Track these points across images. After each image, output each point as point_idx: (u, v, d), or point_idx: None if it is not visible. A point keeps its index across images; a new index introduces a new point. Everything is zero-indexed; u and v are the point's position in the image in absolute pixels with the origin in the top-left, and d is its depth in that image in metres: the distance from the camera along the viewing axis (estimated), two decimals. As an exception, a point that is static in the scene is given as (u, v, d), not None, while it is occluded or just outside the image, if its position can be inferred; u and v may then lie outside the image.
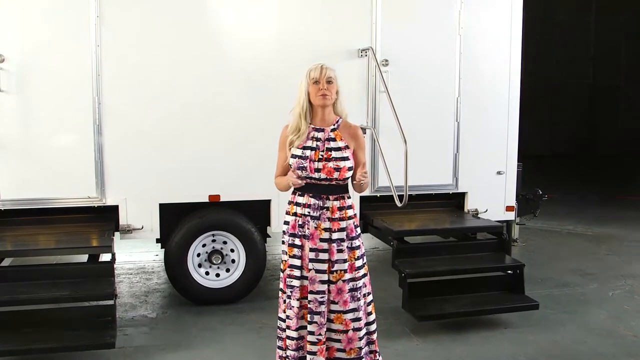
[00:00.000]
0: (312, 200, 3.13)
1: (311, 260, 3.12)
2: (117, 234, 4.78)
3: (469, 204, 5.54)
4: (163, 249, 5.02)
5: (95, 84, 4.60)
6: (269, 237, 5.33)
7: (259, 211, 5.09)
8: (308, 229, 3.13)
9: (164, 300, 5.16)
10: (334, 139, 3.15)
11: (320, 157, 3.11)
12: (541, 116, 17.36)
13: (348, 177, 3.16)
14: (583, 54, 18.58)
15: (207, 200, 4.95)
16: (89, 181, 4.66)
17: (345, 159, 3.13)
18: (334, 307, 3.14)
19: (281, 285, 3.25)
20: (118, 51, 4.63)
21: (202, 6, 4.86)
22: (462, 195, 5.58)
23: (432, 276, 4.74)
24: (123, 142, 4.72)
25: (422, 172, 5.22)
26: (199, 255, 4.96)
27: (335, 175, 3.10)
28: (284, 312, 3.22)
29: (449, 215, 5.51)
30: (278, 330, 3.28)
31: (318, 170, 3.10)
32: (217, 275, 4.99)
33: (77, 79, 4.58)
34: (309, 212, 3.13)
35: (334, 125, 3.19)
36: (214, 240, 4.99)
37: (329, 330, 3.15)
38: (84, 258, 4.71)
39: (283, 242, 3.24)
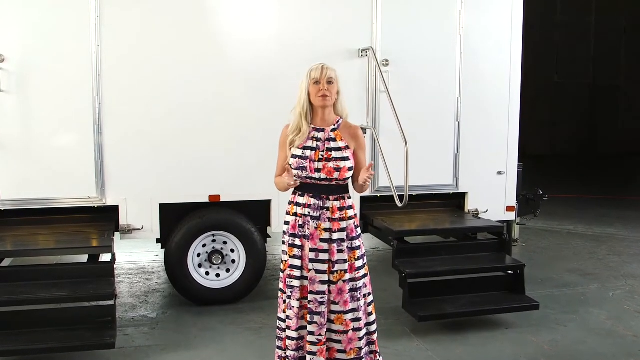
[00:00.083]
0: (313, 201, 3.12)
1: (311, 261, 3.12)
2: (117, 234, 4.77)
3: (470, 204, 5.54)
4: (163, 249, 5.01)
5: (95, 84, 4.60)
6: (269, 237, 5.33)
7: (259, 211, 5.09)
8: (308, 229, 3.12)
9: (164, 301, 5.16)
10: (334, 139, 3.15)
11: (320, 157, 3.10)
12: (541, 116, 17.37)
13: (348, 178, 3.16)
14: (583, 54, 18.58)
15: (207, 200, 4.94)
16: (89, 181, 4.65)
17: (346, 159, 3.12)
18: (334, 307, 3.13)
19: (281, 286, 3.25)
20: (118, 51, 4.63)
21: (202, 6, 4.86)
22: (462, 196, 5.58)
23: (432, 276, 4.74)
24: (123, 142, 4.71)
25: (423, 172, 5.22)
26: (199, 255, 4.95)
27: (336, 175, 3.10)
28: (284, 312, 3.21)
29: (449, 216, 5.51)
30: (277, 331, 3.27)
31: (318, 170, 3.10)
32: (217, 275, 4.99)
33: (77, 79, 4.57)
34: (309, 212, 3.12)
35: (334, 125, 3.19)
36: (214, 241, 4.98)
37: (329, 331, 3.15)
38: (84, 258, 4.71)
39: (283, 242, 3.23)
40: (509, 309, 4.71)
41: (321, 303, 3.11)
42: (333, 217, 3.12)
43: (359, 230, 3.22)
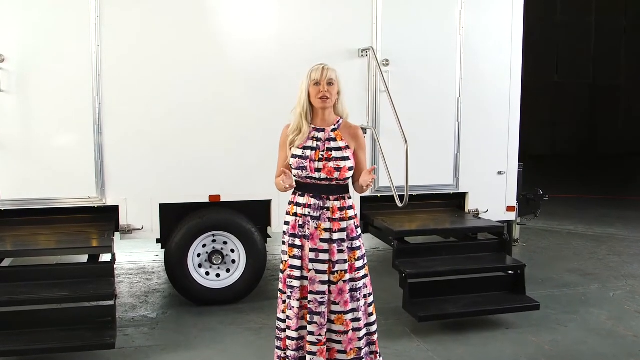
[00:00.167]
0: (313, 201, 3.12)
1: (311, 261, 3.12)
2: (117, 234, 4.77)
3: (470, 204, 5.54)
4: (163, 249, 5.01)
5: (95, 84, 4.59)
6: (269, 237, 5.33)
7: (259, 211, 5.09)
8: (308, 229, 3.12)
9: (164, 301, 5.16)
10: (334, 139, 3.14)
11: (320, 157, 3.10)
12: (541, 116, 17.37)
13: (349, 177, 3.15)
14: (583, 54, 18.58)
15: (207, 200, 4.94)
16: (89, 181, 4.65)
17: (346, 158, 3.12)
18: (335, 307, 3.13)
19: (280, 286, 3.25)
20: (118, 51, 4.63)
21: (202, 6, 4.85)
22: (462, 196, 5.57)
23: (432, 276, 4.73)
24: (123, 142, 4.71)
25: (423, 172, 5.21)
26: (199, 255, 4.95)
27: (336, 175, 3.09)
28: (283, 312, 3.21)
29: (449, 216, 5.50)
30: (277, 331, 3.27)
31: (318, 170, 3.09)
32: (218, 275, 4.99)
33: (77, 79, 4.57)
34: (309, 212, 3.12)
35: (334, 125, 3.19)
36: (214, 241, 4.98)
37: (330, 331, 3.15)
38: (84, 258, 4.70)
39: (283, 243, 3.23)
40: (510, 309, 4.70)
41: (321, 303, 3.11)
42: (333, 217, 3.12)
43: (359, 230, 3.21)
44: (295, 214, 3.17)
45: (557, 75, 18.59)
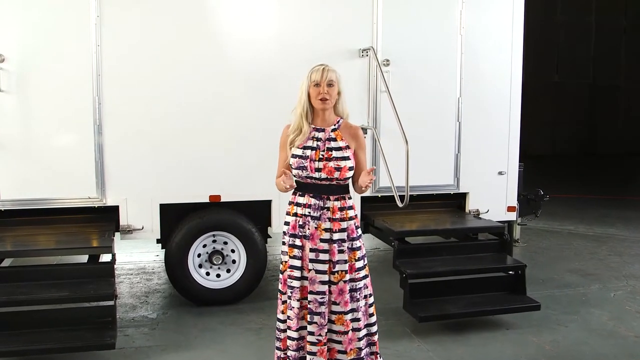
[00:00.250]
0: (313, 201, 3.12)
1: (311, 261, 3.11)
2: (117, 234, 4.76)
3: (470, 204, 5.53)
4: (163, 250, 5.01)
5: (95, 84, 4.59)
6: (270, 237, 5.32)
7: (259, 211, 5.08)
8: (308, 229, 3.12)
9: (164, 301, 5.15)
10: (334, 139, 3.14)
11: (320, 156, 3.10)
12: (541, 116, 17.37)
13: (349, 177, 3.15)
14: (583, 54, 18.58)
15: (207, 200, 4.93)
16: (89, 181, 4.65)
17: (346, 158, 3.11)
18: (335, 308, 3.13)
19: (280, 287, 3.24)
20: (118, 51, 4.62)
21: (202, 6, 4.85)
22: (463, 196, 5.57)
23: (433, 277, 4.73)
24: (123, 142, 4.71)
25: (423, 172, 5.21)
26: (199, 255, 4.95)
27: (336, 175, 3.09)
28: (283, 313, 3.21)
29: (450, 216, 5.50)
30: (276, 331, 3.27)
31: (319, 169, 3.09)
32: (218, 275, 4.98)
33: (77, 79, 4.57)
34: (309, 212, 3.12)
35: (334, 125, 3.18)
36: (214, 241, 4.97)
37: (330, 331, 3.14)
38: (84, 259, 4.70)
39: (283, 243, 3.22)
40: (510, 310, 4.70)
41: (321, 303, 3.10)
42: (333, 217, 3.11)
43: (359, 231, 3.21)
44: (295, 214, 3.17)
45: (557, 75, 18.59)
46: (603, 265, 6.40)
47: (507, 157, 5.58)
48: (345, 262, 3.12)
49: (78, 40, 4.54)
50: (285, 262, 3.20)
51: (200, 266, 4.95)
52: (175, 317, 4.75)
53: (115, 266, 4.30)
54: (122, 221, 4.75)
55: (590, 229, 8.19)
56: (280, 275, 3.24)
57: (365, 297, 3.20)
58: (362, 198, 5.16)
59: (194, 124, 4.85)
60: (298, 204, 3.16)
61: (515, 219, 5.86)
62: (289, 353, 3.18)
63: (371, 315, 3.23)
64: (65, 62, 4.54)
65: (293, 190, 3.17)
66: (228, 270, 5.00)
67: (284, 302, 3.22)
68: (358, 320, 3.15)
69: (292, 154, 3.14)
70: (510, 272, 4.92)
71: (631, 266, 6.37)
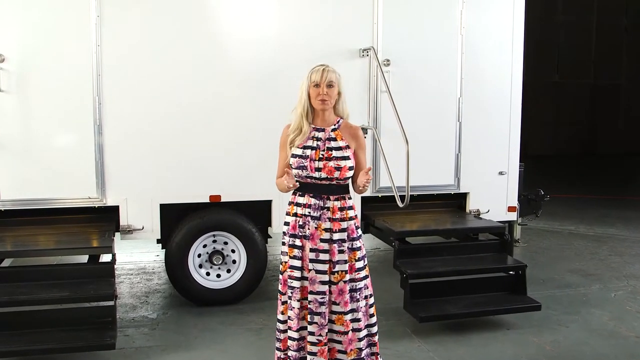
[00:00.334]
0: (313, 200, 3.11)
1: (311, 261, 3.11)
2: (117, 234, 4.76)
3: (471, 205, 5.52)
4: (164, 250, 5.00)
5: (95, 84, 4.59)
6: (270, 237, 5.32)
7: (260, 211, 5.08)
8: (308, 229, 3.11)
9: (164, 301, 5.15)
10: (334, 139, 3.14)
11: (320, 156, 3.09)
12: (542, 116, 17.36)
13: (349, 177, 3.15)
14: (584, 54, 18.57)
15: (207, 200, 4.93)
16: (89, 181, 4.64)
17: (346, 158, 3.11)
18: (335, 308, 3.12)
19: (280, 287, 3.24)
20: (118, 51, 4.62)
21: (202, 6, 4.84)
22: (463, 196, 5.56)
23: (433, 277, 4.72)
24: (123, 142, 4.70)
25: (424, 172, 5.20)
26: (199, 255, 4.94)
27: (336, 174, 3.08)
28: (283, 313, 3.21)
29: (450, 216, 5.49)
30: (277, 332, 3.27)
31: (318, 169, 3.08)
32: (218, 275, 4.98)
33: (77, 79, 4.56)
34: (309, 212, 3.11)
35: (334, 125, 3.18)
36: (214, 241, 4.97)
37: (330, 331, 3.14)
38: (84, 259, 4.69)
39: (283, 243, 3.22)
40: (511, 310, 4.69)
41: (321, 303, 3.10)
42: (334, 217, 3.11)
43: (359, 231, 3.20)
44: (295, 214, 3.16)
45: (557, 75, 18.58)
46: (604, 266, 6.39)
47: (508, 157, 5.58)
48: (345, 262, 3.12)
49: (78, 40, 4.54)
50: (285, 262, 3.19)
51: (200, 266, 4.95)
52: (175, 317, 4.75)
53: (115, 266, 4.30)
54: (123, 221, 4.75)
55: (591, 229, 8.18)
56: (280, 276, 3.24)
57: (366, 297, 3.20)
58: (363, 198, 5.15)
59: (194, 124, 4.85)
60: (298, 204, 3.16)
61: (515, 219, 5.86)
62: (290, 353, 3.18)
63: (371, 315, 3.23)
64: (65, 62, 4.54)
65: (293, 190, 3.17)
66: (228, 271, 4.99)
67: (283, 303, 3.21)
68: (358, 320, 3.15)
69: (292, 154, 3.14)
70: (511, 272, 4.91)
71: (632, 266, 6.36)
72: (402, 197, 4.55)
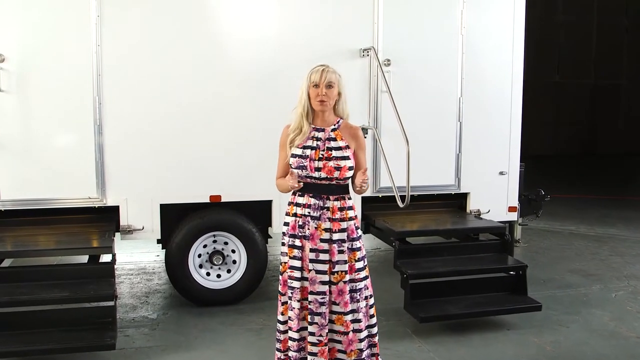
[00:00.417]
0: (312, 201, 3.11)
1: (311, 261, 3.10)
2: (117, 234, 4.76)
3: (471, 205, 5.52)
4: (164, 250, 5.00)
5: (95, 84, 4.58)
6: (270, 237, 5.31)
7: (260, 212, 5.08)
8: (308, 229, 3.11)
9: (164, 301, 5.15)
10: (334, 139, 3.13)
11: (320, 156, 3.09)
12: (542, 116, 17.36)
13: (349, 177, 3.14)
14: (584, 54, 18.57)
15: (208, 200, 4.93)
16: (89, 181, 4.64)
17: (346, 158, 3.11)
18: (335, 308, 3.12)
19: (280, 288, 3.24)
20: (118, 51, 4.62)
21: (202, 6, 4.84)
22: (464, 196, 5.56)
23: (434, 277, 4.72)
24: (123, 142, 4.70)
25: (424, 172, 5.20)
26: (200, 256, 4.94)
27: (336, 174, 3.08)
28: (283, 314, 3.21)
29: (451, 216, 5.49)
30: (277, 333, 3.27)
31: (318, 169, 3.08)
32: (218, 276, 4.98)
33: (78, 79, 4.56)
34: (309, 213, 3.11)
35: (334, 125, 3.17)
36: (215, 241, 4.97)
37: (331, 331, 3.14)
38: (84, 259, 4.69)
39: (283, 244, 3.21)
40: (511, 310, 4.69)
41: (322, 303, 3.10)
42: (333, 217, 3.10)
43: (359, 231, 3.20)
44: (295, 214, 3.16)
45: (558, 75, 18.58)
46: (604, 266, 6.39)
47: (508, 157, 5.58)
48: (345, 262, 3.11)
49: (78, 40, 4.54)
50: (285, 263, 3.19)
51: (200, 266, 4.95)
52: (175, 318, 4.74)
53: (115, 266, 4.29)
54: (123, 221, 4.75)
55: (591, 229, 8.18)
56: (280, 277, 3.23)
57: (366, 297, 3.19)
58: (363, 198, 5.15)
59: (194, 124, 4.84)
60: (297, 204, 3.15)
61: (516, 219, 5.85)
62: (290, 354, 3.18)
63: (372, 316, 3.23)
64: (65, 62, 4.53)
65: (293, 190, 3.16)
66: (228, 271, 4.99)
67: (283, 303, 3.21)
68: (359, 321, 3.14)
69: (292, 154, 3.13)
70: (512, 273, 4.91)
71: (632, 266, 6.36)
72: (403, 197, 4.55)
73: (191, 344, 4.25)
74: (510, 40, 5.48)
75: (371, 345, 3.24)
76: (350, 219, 3.14)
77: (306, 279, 3.12)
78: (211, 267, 4.96)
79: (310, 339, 3.12)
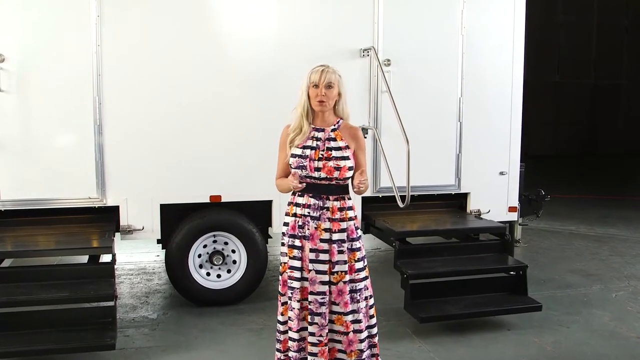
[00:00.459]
0: (312, 201, 3.10)
1: (311, 261, 3.10)
2: (117, 234, 4.76)
3: (472, 205, 5.52)
4: (164, 250, 5.00)
5: (95, 84, 4.58)
6: (270, 237, 5.31)
7: (260, 212, 5.07)
8: (308, 229, 3.10)
9: (164, 301, 5.14)
10: (334, 139, 3.13)
11: (320, 156, 3.09)
12: (542, 116, 17.36)
13: (348, 177, 3.14)
14: (584, 54, 18.57)
15: (208, 200, 4.92)
16: (89, 181, 4.64)
17: (346, 158, 3.10)
18: (335, 308, 3.12)
19: (279, 288, 3.23)
20: (118, 51, 4.61)
21: (202, 6, 4.84)
22: (464, 196, 5.56)
23: (434, 277, 4.72)
24: (123, 142, 4.70)
25: (424, 172, 5.19)
26: (200, 256, 4.94)
27: (336, 174, 3.08)
28: (282, 314, 3.20)
29: (451, 216, 5.48)
30: (277, 333, 3.26)
31: (318, 169, 3.08)
32: (218, 276, 4.97)
33: (78, 79, 4.56)
34: (308, 213, 3.10)
35: (334, 125, 3.17)
36: (215, 241, 4.97)
37: (331, 331, 3.14)
38: (84, 259, 4.69)
39: (283, 244, 3.21)
40: (511, 310, 4.68)
41: (322, 304, 3.09)
42: (333, 217, 3.10)
43: (359, 232, 3.20)
44: (294, 215, 3.15)
45: (558, 75, 18.58)
46: (604, 266, 6.39)
47: (508, 157, 5.57)
48: (345, 262, 3.11)
49: (78, 40, 4.54)
50: (285, 263, 3.18)
51: (200, 266, 4.94)
52: (175, 318, 4.74)
53: (115, 266, 4.29)
54: (123, 221, 4.75)
55: (592, 229, 8.18)
56: (280, 277, 3.23)
57: (366, 298, 3.19)
58: (363, 198, 5.15)
59: (194, 124, 4.84)
60: (297, 204, 3.15)
61: (516, 219, 5.85)
62: (290, 354, 3.17)
63: (372, 316, 3.22)
64: (65, 62, 4.53)
65: (293, 190, 3.16)
66: (229, 271, 4.99)
67: (283, 304, 3.21)
68: (359, 321, 3.14)
69: (292, 154, 3.13)
70: (512, 273, 4.91)
71: (632, 267, 6.36)
72: (403, 197, 4.55)
73: (191, 344, 4.25)
74: (510, 41, 5.48)
75: (371, 346, 3.23)
76: (350, 219, 3.14)
77: (306, 279, 3.12)
78: (211, 267, 4.96)
79: (310, 339, 3.12)
